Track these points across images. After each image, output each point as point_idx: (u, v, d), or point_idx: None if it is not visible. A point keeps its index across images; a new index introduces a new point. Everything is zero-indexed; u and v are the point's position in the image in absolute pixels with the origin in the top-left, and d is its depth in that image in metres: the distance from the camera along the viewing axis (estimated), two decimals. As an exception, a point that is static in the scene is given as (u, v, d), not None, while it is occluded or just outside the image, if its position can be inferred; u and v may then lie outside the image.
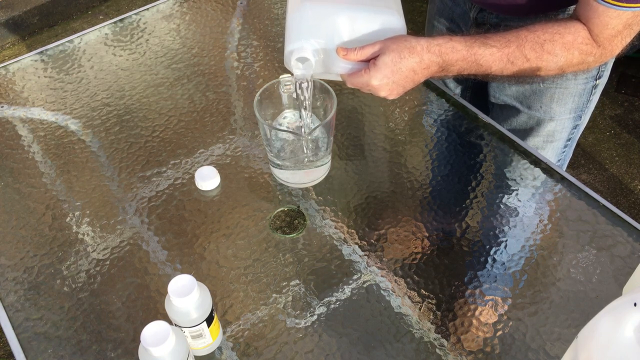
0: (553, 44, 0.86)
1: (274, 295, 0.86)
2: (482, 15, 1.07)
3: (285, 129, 0.98)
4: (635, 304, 0.49)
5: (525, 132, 1.16)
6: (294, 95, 0.94)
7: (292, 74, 0.95)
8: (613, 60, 1.08)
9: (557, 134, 1.14)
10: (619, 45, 0.86)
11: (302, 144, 0.93)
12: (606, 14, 0.82)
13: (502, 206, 0.95)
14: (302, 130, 0.94)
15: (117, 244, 0.93)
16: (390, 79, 0.88)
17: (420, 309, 0.84)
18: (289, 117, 0.99)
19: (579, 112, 1.12)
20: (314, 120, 0.97)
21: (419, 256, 0.89)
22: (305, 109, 0.93)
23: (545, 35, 0.86)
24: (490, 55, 0.87)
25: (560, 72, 0.90)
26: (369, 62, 0.89)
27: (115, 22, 1.32)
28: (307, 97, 0.92)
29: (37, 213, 0.97)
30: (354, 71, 0.92)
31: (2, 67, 1.23)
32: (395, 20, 0.92)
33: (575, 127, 1.15)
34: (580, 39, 0.85)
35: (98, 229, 0.95)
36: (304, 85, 0.90)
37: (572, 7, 0.94)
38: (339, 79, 0.97)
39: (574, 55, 0.87)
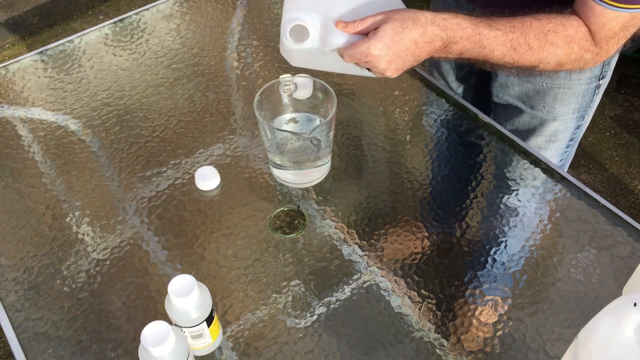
0: (556, 35, 0.85)
1: (274, 295, 0.86)
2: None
3: (285, 129, 0.98)
4: (635, 304, 0.49)
5: (528, 132, 1.16)
6: (287, 87, 0.93)
7: (291, 74, 0.95)
8: (616, 60, 1.08)
9: (559, 133, 1.14)
10: (614, 46, 0.86)
11: (302, 144, 0.93)
12: (604, 14, 0.81)
13: (502, 206, 0.95)
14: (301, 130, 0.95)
15: (117, 244, 0.93)
16: (391, 50, 0.84)
17: (420, 309, 0.84)
18: (289, 118, 0.99)
19: (582, 112, 1.12)
20: (314, 120, 0.97)
21: (419, 256, 0.89)
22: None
23: (549, 25, 0.85)
24: (495, 38, 0.85)
25: (557, 66, 0.89)
26: (369, 33, 0.86)
27: (115, 22, 1.32)
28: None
29: (37, 213, 0.97)
30: (351, 44, 0.87)
31: (2, 67, 1.23)
32: None
33: (578, 127, 1.15)
34: (581, 34, 0.85)
35: (98, 229, 0.94)
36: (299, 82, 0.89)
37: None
38: (335, 69, 0.95)
39: (574, 50, 0.86)
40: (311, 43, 0.87)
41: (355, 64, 0.89)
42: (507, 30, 0.85)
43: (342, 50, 0.88)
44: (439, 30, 0.85)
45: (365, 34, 0.87)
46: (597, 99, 1.11)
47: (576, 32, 0.85)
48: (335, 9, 0.88)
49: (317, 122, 0.97)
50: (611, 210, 0.93)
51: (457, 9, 1.14)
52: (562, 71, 1.04)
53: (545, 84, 1.07)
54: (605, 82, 1.09)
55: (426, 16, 0.84)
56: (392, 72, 0.88)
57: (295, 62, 0.94)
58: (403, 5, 0.91)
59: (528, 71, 0.93)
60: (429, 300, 0.84)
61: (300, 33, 0.87)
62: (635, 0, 0.79)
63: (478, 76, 1.23)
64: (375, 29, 0.85)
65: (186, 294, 0.72)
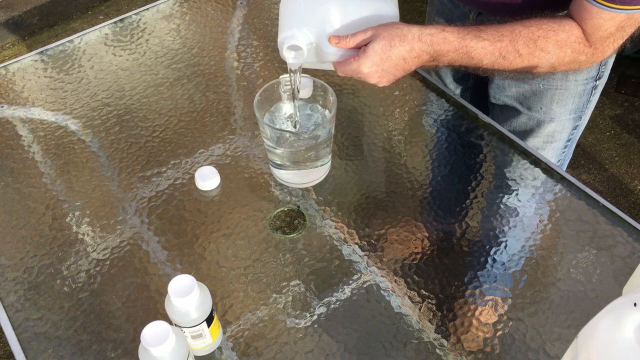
0: (546, 41, 0.86)
1: (274, 295, 0.86)
2: (481, 18, 1.07)
3: (285, 127, 0.98)
4: (635, 304, 0.49)
5: (526, 133, 1.16)
6: (287, 87, 0.95)
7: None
8: (613, 60, 1.08)
9: (557, 134, 1.14)
10: (610, 46, 0.86)
11: (302, 143, 0.93)
12: (599, 15, 0.81)
13: (502, 206, 0.95)
14: (294, 123, 0.95)
15: (117, 244, 0.93)
16: (380, 67, 0.88)
17: (420, 309, 0.84)
18: (285, 110, 0.99)
19: (579, 113, 1.12)
20: (313, 114, 0.97)
21: (419, 256, 0.89)
22: (295, 99, 0.93)
23: (539, 31, 0.86)
24: (482, 48, 0.87)
25: (551, 69, 0.89)
26: (360, 49, 0.89)
27: (115, 22, 1.32)
28: (297, 87, 0.92)
29: (37, 213, 0.97)
30: (345, 58, 0.91)
31: (2, 67, 1.23)
32: (388, 7, 0.91)
33: (575, 127, 1.15)
34: (573, 37, 0.85)
35: (98, 229, 0.94)
36: (296, 74, 0.91)
37: None
38: (332, 67, 0.97)
39: (566, 53, 0.86)
40: (307, 58, 0.91)
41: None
42: (495, 40, 0.87)
43: (336, 64, 0.93)
44: (426, 46, 0.87)
45: (358, 47, 0.89)
46: (594, 99, 1.11)
47: (568, 36, 0.85)
48: (329, 23, 0.90)
49: (317, 118, 0.97)
50: (611, 210, 0.93)
51: (453, 9, 1.14)
52: (558, 72, 1.05)
53: (542, 85, 1.07)
54: (602, 83, 1.09)
55: (413, 33, 0.87)
56: (383, 83, 0.92)
57: None
58: (397, 15, 0.92)
59: (521, 75, 0.94)
60: (429, 300, 0.84)
61: (296, 49, 0.90)
62: (631, 0, 0.79)
63: (475, 77, 1.24)
64: (365, 45, 0.87)
65: (186, 294, 0.72)
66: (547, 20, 0.86)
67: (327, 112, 0.96)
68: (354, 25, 0.91)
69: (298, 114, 0.96)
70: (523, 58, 0.87)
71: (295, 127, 0.96)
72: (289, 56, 0.90)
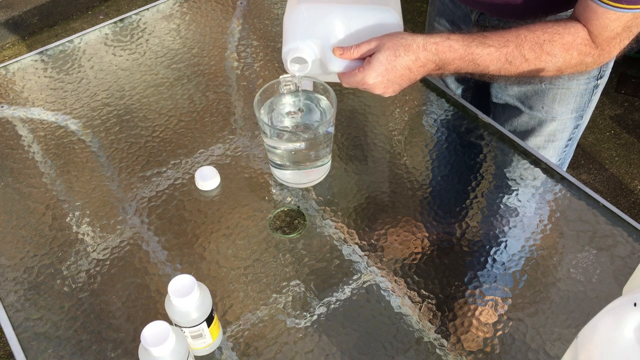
0: (552, 45, 0.85)
1: (274, 295, 0.86)
2: (483, 18, 1.07)
3: (285, 125, 0.98)
4: (635, 304, 0.49)
5: (527, 132, 1.16)
6: (287, 87, 0.96)
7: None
8: (614, 60, 1.08)
9: (558, 133, 1.14)
10: (617, 47, 0.86)
11: (301, 137, 0.93)
12: (605, 15, 0.81)
13: (502, 206, 0.95)
14: (297, 109, 0.97)
15: (117, 244, 0.93)
16: (385, 77, 0.88)
17: (420, 309, 0.84)
18: (288, 111, 0.99)
19: (580, 112, 1.12)
20: (314, 105, 0.97)
21: (419, 256, 0.89)
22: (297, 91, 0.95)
23: (544, 35, 0.86)
24: (488, 55, 0.87)
25: (558, 72, 0.89)
26: (365, 59, 0.89)
27: (115, 22, 1.32)
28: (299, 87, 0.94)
29: (37, 213, 0.97)
30: (349, 69, 0.91)
31: (2, 67, 1.23)
32: (391, 17, 0.92)
33: (576, 126, 1.15)
34: (579, 39, 0.85)
35: (98, 229, 0.95)
36: (301, 83, 0.92)
37: (571, 10, 0.94)
38: (337, 79, 0.97)
39: (573, 56, 0.86)
40: (311, 69, 0.92)
41: None
42: (500, 46, 0.86)
43: (341, 75, 0.93)
44: (431, 55, 0.87)
45: (362, 58, 0.89)
46: (596, 98, 1.11)
47: (574, 38, 0.85)
48: (333, 34, 0.90)
49: (318, 114, 0.97)
50: (611, 210, 0.93)
51: (454, 10, 1.14)
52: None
53: (544, 84, 1.07)
54: (603, 82, 1.09)
55: (417, 42, 0.87)
56: (389, 94, 0.92)
57: None
58: (400, 24, 0.92)
59: (528, 80, 0.94)
60: (429, 300, 0.84)
61: (301, 61, 0.91)
62: (637, 0, 0.79)
63: (477, 77, 1.24)
64: (370, 56, 0.87)
65: (186, 294, 0.72)
66: (552, 24, 0.86)
67: (327, 111, 0.96)
68: (358, 35, 0.91)
69: (301, 102, 0.96)
70: (529, 63, 0.87)
71: (300, 110, 0.97)
72: (293, 69, 0.90)
